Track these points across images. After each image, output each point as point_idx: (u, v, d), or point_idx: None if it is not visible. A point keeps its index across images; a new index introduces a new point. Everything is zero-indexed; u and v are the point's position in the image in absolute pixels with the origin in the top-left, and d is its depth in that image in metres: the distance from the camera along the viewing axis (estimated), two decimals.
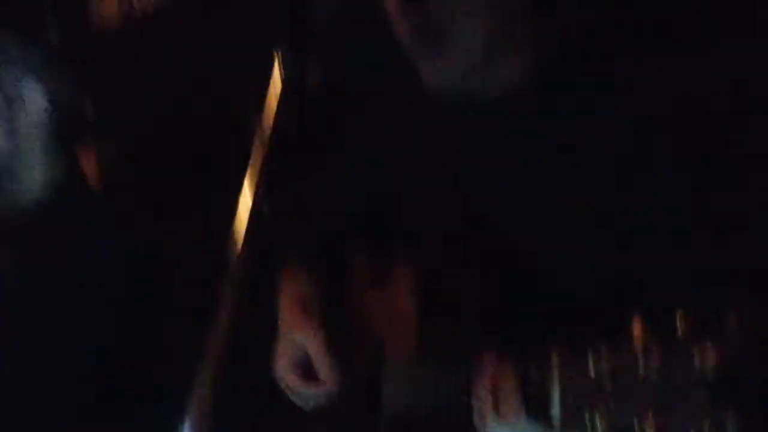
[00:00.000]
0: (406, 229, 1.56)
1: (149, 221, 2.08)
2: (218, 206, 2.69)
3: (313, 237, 1.65)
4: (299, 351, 1.55)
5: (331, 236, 1.64)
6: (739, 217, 1.34)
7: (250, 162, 1.23)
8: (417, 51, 1.41)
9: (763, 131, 1.36)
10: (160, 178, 2.70)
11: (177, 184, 2.70)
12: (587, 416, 1.10)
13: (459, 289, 1.42)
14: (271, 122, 1.26)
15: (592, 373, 1.09)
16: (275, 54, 1.28)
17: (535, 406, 1.19)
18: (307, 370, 1.56)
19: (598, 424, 1.09)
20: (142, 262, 1.97)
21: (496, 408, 1.24)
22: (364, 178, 1.65)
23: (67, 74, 2.02)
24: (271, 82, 1.27)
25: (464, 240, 1.46)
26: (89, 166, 2.11)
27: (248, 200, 1.23)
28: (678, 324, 1.03)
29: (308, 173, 1.75)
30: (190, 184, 2.73)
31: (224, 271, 1.20)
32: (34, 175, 2.00)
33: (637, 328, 1.06)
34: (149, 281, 1.96)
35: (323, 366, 1.53)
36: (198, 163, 2.72)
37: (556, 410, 1.13)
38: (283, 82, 1.27)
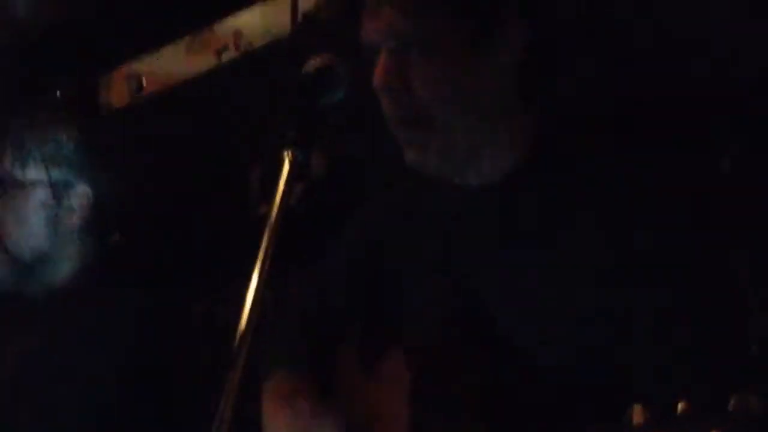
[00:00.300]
0: (399, 320, 1.57)
1: (164, 301, 2.11)
2: (228, 289, 2.71)
3: (304, 330, 1.65)
4: None
5: (322, 328, 1.64)
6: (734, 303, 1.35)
7: (259, 247, 1.25)
8: (399, 128, 1.45)
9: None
10: (173, 259, 2.72)
11: (190, 266, 2.73)
12: None
13: (454, 383, 1.43)
14: (278, 208, 1.28)
15: None
16: (284, 141, 1.31)
17: None
18: None
19: None
20: (156, 340, 1.99)
21: None
22: (357, 267, 1.66)
23: (106, 161, 2.07)
24: (281, 169, 1.30)
25: (459, 332, 1.46)
26: (114, 248, 2.14)
27: (254, 285, 1.25)
28: (678, 409, 1.03)
29: (306, 261, 1.76)
30: (201, 266, 2.75)
31: (229, 357, 1.21)
32: (66, 258, 2.04)
33: (637, 415, 1.06)
34: (162, 359, 1.98)
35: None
36: (210, 246, 2.75)
37: None
38: (291, 168, 1.30)
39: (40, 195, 2.00)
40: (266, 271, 1.24)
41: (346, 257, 1.68)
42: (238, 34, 3.19)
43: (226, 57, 3.21)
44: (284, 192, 1.27)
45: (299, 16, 2.68)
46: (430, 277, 1.53)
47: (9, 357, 1.98)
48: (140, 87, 3.11)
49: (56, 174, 2.00)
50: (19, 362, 1.97)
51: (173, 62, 3.36)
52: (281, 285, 1.43)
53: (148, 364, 1.95)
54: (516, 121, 1.47)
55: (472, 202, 1.50)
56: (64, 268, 2.04)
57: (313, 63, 1.44)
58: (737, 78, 1.90)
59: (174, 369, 2.03)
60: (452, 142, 1.44)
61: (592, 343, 1.34)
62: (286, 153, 1.31)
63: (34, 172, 1.99)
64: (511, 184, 1.47)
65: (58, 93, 2.97)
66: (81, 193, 2.02)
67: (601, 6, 2.05)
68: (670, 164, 1.44)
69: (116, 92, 3.23)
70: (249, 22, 3.20)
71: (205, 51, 3.40)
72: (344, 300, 1.66)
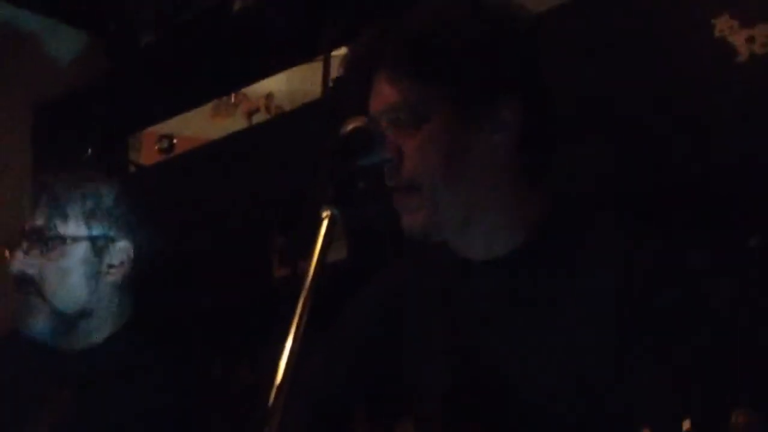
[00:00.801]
0: (408, 389, 1.57)
1: (197, 361, 2.11)
2: (264, 349, 2.69)
3: (315, 406, 1.65)
4: None
5: (334, 401, 1.64)
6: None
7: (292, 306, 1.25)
8: (395, 195, 1.51)
9: None
10: (194, 320, 2.72)
11: (210, 328, 2.71)
12: None
13: None
14: (315, 267, 1.28)
15: None
16: (322, 201, 1.33)
17: None
18: None
19: None
20: (188, 403, 1.99)
21: None
22: (368, 339, 1.66)
23: (154, 223, 2.09)
24: (319, 228, 1.31)
25: (468, 402, 1.47)
26: (148, 306, 2.15)
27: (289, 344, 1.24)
28: (683, 428, 1.06)
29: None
30: (221, 328, 2.73)
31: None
32: (103, 317, 2.05)
33: None
34: (182, 419, 1.97)
35: None
36: (230, 308, 2.74)
37: None
38: (328, 227, 1.31)
39: (81, 250, 2.02)
40: (302, 330, 1.24)
41: (357, 328, 1.68)
42: (270, 98, 3.23)
43: (256, 119, 3.25)
44: (321, 250, 1.28)
45: (330, 81, 2.70)
46: (437, 349, 1.54)
47: (45, 412, 1.99)
48: (171, 147, 3.14)
49: (97, 229, 2.02)
50: (54, 416, 1.97)
51: (198, 125, 3.40)
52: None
53: (169, 423, 1.95)
54: (517, 197, 1.51)
55: (477, 276, 1.53)
56: (104, 323, 2.05)
57: (350, 124, 1.47)
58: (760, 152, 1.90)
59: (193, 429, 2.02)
60: (440, 211, 1.48)
61: (602, 414, 1.36)
62: (324, 212, 1.32)
63: (74, 228, 2.01)
64: (516, 260, 1.50)
65: (89, 150, 3.00)
66: (122, 248, 2.04)
67: (609, 85, 2.07)
68: (685, 243, 1.46)
69: (147, 152, 3.27)
70: (279, 86, 3.25)
71: (231, 114, 3.44)
72: (355, 373, 1.66)
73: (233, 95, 3.41)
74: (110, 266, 2.04)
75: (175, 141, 3.14)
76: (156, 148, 3.18)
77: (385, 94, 1.50)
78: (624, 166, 2.03)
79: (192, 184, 2.94)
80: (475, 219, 1.49)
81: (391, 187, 1.50)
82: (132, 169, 3.19)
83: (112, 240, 2.04)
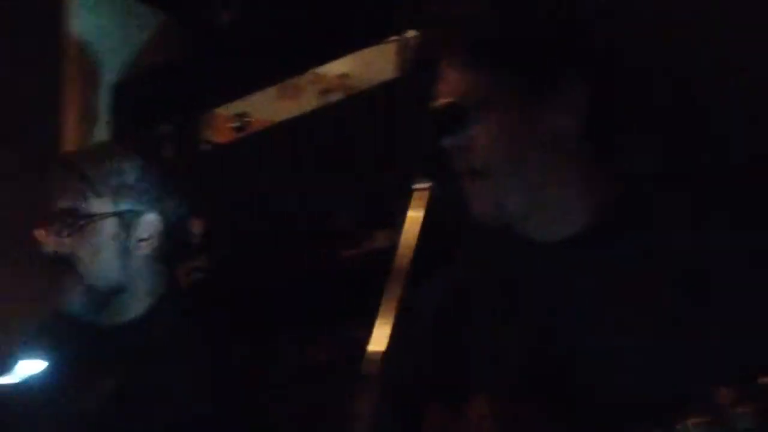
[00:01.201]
0: (482, 369, 1.58)
1: (242, 342, 2.11)
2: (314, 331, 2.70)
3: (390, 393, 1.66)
4: None
5: (406, 388, 1.65)
6: None
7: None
8: (463, 180, 1.51)
9: None
10: (262, 299, 2.74)
11: (280, 308, 2.74)
12: None
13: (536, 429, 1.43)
14: (416, 242, 1.29)
15: None
16: (422, 174, 1.34)
17: None
18: None
19: None
20: (231, 383, 2.00)
21: None
22: (442, 318, 1.67)
23: (180, 195, 2.10)
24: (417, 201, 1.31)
25: (538, 377, 1.48)
26: (187, 282, 2.17)
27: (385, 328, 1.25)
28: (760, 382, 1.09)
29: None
30: (287, 308, 2.75)
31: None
32: (139, 291, 2.07)
33: (723, 397, 1.10)
34: (237, 402, 1.98)
35: None
36: (296, 289, 2.76)
37: None
38: (431, 201, 1.32)
39: (110, 227, 2.04)
40: (401, 301, 1.25)
41: (432, 310, 1.69)
42: (344, 78, 3.24)
43: (329, 100, 3.26)
44: (423, 223, 1.29)
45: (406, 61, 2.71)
46: (507, 327, 1.55)
47: (88, 392, 2.01)
48: (244, 126, 3.17)
49: (123, 205, 2.05)
50: (99, 398, 1.99)
51: (267, 105, 3.42)
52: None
53: (231, 401, 1.96)
54: (584, 179, 1.51)
55: (542, 255, 1.53)
56: (138, 297, 2.07)
57: (442, 100, 1.49)
58: None
59: (257, 410, 2.03)
60: (508, 194, 1.49)
61: (668, 390, 1.34)
62: (422, 185, 1.33)
63: (101, 205, 2.03)
64: (582, 240, 1.50)
65: (164, 127, 3.04)
66: (150, 222, 2.06)
67: (683, 62, 2.05)
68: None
69: (219, 130, 3.30)
70: (352, 66, 3.26)
71: (297, 95, 3.45)
72: (430, 351, 1.67)
73: (298, 77, 3.41)
74: (140, 240, 2.06)
75: (249, 120, 3.17)
76: (229, 126, 3.21)
77: (450, 80, 1.51)
78: (697, 148, 2.01)
79: (263, 162, 2.96)
80: (541, 204, 1.51)
81: (460, 172, 1.51)
82: (205, 146, 3.23)
83: (139, 214, 2.06)
